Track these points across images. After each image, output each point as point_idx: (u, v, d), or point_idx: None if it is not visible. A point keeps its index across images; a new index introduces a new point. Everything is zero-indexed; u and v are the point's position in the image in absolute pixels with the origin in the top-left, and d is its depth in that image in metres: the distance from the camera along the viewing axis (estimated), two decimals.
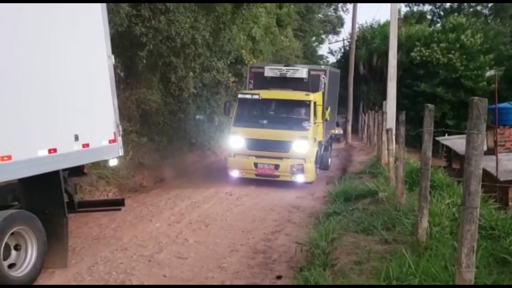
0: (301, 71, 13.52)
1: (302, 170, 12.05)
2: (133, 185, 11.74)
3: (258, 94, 12.55)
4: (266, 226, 8.57)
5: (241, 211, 9.70)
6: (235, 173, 12.55)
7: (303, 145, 12.08)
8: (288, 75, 13.50)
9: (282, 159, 12.14)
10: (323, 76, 13.82)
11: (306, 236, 7.19)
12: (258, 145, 12.22)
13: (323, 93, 13.57)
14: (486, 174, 14.51)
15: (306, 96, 12.49)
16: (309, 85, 13.32)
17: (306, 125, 12.29)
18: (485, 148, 16.51)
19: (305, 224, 8.60)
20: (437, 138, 21.87)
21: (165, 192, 11.35)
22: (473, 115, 3.16)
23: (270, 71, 13.76)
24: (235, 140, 12.52)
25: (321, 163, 14.43)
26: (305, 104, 12.55)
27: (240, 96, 13.01)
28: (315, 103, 12.56)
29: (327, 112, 13.29)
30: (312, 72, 13.72)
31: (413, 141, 16.27)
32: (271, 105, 13.06)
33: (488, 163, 14.66)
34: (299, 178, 12.16)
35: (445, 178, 8.60)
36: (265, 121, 12.66)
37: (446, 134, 21.05)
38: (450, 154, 22.03)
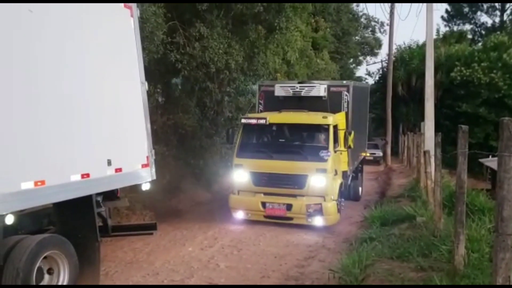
0: (318, 88, 11.58)
1: (320, 211, 9.92)
2: (169, 208, 11.81)
3: (265, 118, 10.50)
4: (300, 251, 8.43)
5: (274, 235, 9.58)
6: (239, 214, 10.53)
7: (320, 179, 9.95)
8: (302, 94, 11.62)
9: (295, 197, 10.13)
10: (345, 93, 11.80)
11: (339, 263, 7.00)
12: (266, 180, 10.27)
13: (347, 114, 11.70)
14: None
15: (324, 119, 10.44)
16: (328, 104, 11.53)
17: (324, 154, 10.14)
18: None
19: (339, 250, 8.40)
20: (481, 160, 21.08)
21: (200, 215, 11.38)
22: (504, 136, 3.01)
23: (281, 89, 11.87)
24: (238, 174, 10.53)
25: (349, 195, 12.73)
26: (322, 128, 10.48)
27: (243, 121, 10.84)
28: (335, 126, 10.53)
29: (350, 138, 10.91)
30: (332, 89, 11.81)
31: (455, 164, 15.67)
32: (282, 130, 11.02)
33: None
34: (317, 221, 9.98)
35: (486, 201, 8.25)
36: (274, 151, 10.56)
37: (490, 156, 20.27)
38: (495, 176, 21.19)
